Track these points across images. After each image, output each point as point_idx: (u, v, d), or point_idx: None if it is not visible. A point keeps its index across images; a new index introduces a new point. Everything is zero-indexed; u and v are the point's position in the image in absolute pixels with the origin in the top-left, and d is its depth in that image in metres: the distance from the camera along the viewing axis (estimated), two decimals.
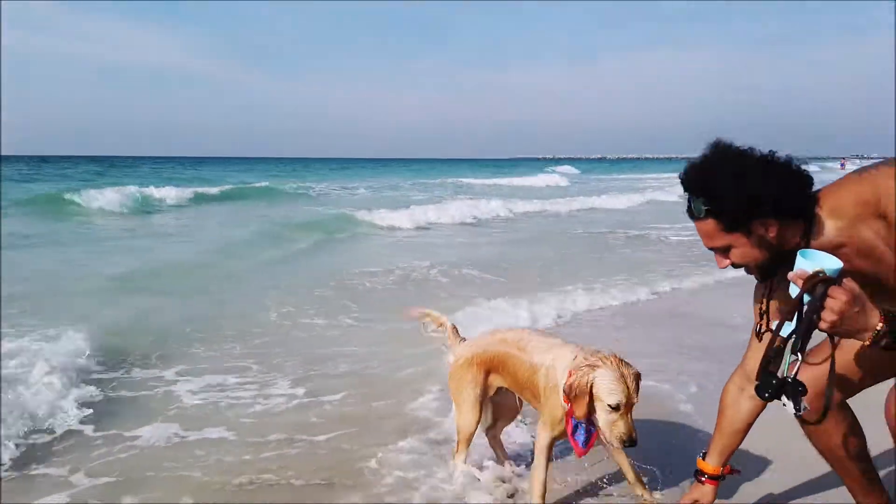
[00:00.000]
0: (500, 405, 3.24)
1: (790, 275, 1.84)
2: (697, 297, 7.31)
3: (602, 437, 2.60)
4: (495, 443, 3.37)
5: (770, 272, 2.08)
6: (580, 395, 2.53)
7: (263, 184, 30.90)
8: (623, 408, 2.51)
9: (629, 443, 2.53)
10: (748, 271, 2.10)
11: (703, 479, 2.51)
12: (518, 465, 3.27)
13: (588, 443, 2.65)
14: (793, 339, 1.86)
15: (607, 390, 2.50)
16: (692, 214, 2.04)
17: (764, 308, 2.23)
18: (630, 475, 2.89)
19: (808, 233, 1.97)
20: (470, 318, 5.59)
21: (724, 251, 2.04)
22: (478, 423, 3.10)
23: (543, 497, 2.78)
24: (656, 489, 3.00)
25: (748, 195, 1.92)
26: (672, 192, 26.56)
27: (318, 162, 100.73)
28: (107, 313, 6.19)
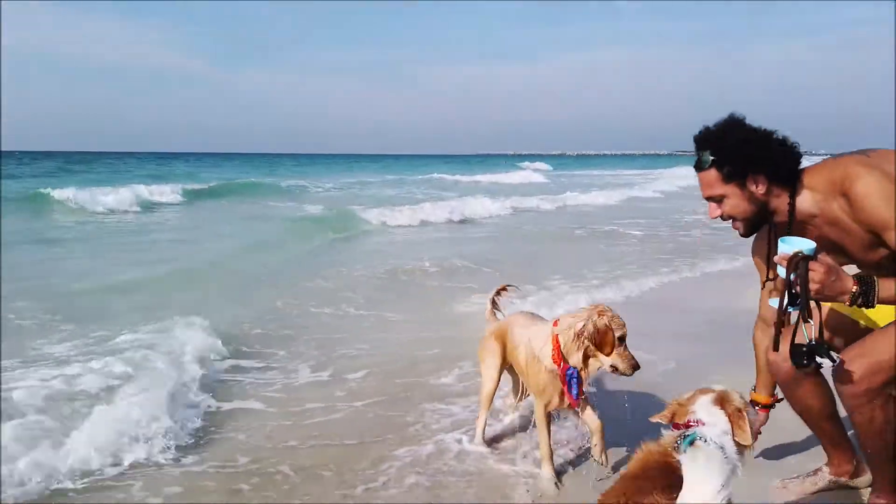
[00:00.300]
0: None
1: (775, 258, 2.21)
2: (678, 288, 7.67)
3: (613, 370, 2.93)
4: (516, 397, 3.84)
5: (753, 227, 2.49)
6: (604, 334, 2.88)
7: (251, 179, 30.07)
8: (624, 340, 2.94)
9: (637, 367, 2.92)
10: (734, 225, 2.49)
11: (758, 408, 2.84)
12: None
13: (579, 393, 3.00)
14: (800, 311, 2.17)
15: (618, 326, 2.92)
16: (698, 166, 2.45)
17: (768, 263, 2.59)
18: (596, 438, 3.13)
19: (792, 196, 2.39)
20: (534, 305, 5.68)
21: (718, 200, 2.44)
22: (495, 386, 3.51)
23: (551, 458, 3.18)
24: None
25: (748, 152, 2.35)
26: (648, 188, 27.75)
27: (285, 157, 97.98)
28: (111, 311, 6.27)
